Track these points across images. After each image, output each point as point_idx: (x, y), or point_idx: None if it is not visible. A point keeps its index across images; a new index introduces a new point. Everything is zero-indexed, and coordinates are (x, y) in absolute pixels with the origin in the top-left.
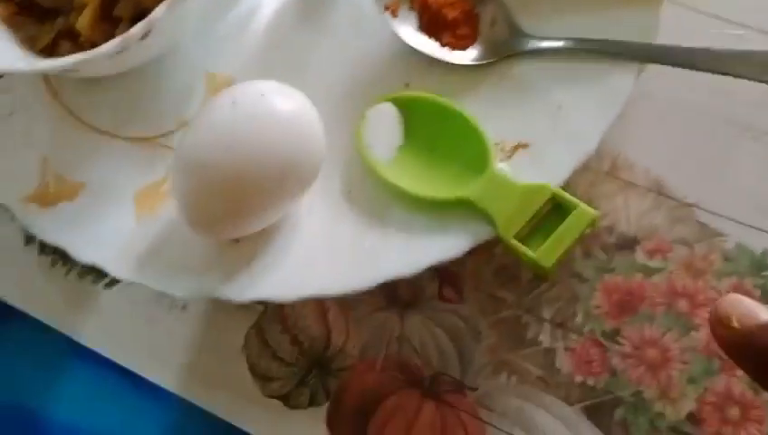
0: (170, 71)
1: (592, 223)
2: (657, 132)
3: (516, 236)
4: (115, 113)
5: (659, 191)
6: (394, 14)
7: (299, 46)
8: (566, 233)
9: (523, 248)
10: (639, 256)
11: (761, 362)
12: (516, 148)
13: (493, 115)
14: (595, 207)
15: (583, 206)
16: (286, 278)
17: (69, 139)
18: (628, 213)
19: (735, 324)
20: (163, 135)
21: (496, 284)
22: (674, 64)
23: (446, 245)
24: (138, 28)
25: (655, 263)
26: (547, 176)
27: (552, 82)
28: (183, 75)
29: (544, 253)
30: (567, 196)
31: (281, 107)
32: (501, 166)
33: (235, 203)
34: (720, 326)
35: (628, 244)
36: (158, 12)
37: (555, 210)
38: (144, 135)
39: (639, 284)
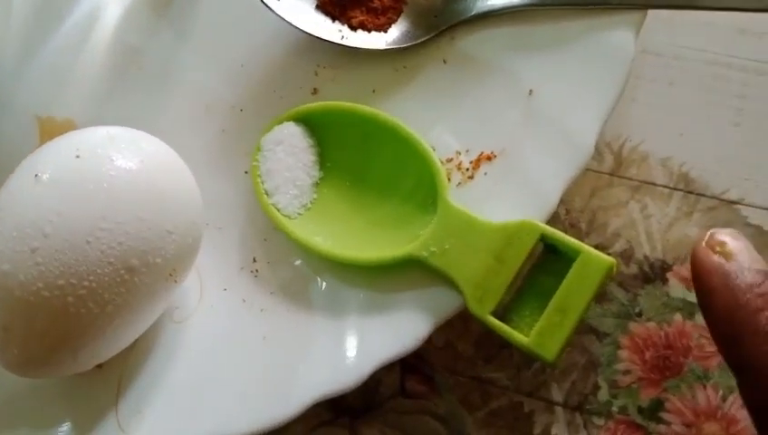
0: None
1: (608, 274)
2: (672, 105)
3: (496, 308)
4: None
5: (687, 188)
6: None
7: (159, 62)
8: (570, 297)
9: (506, 329)
10: (674, 287)
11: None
12: (479, 161)
13: (439, 117)
14: (601, 225)
15: (590, 251)
16: (166, 419)
17: None
18: (649, 227)
19: (729, 248)
20: None
21: (480, 360)
22: (680, 6)
23: (396, 335)
24: None
25: None
26: (530, 202)
27: (515, 55)
28: (7, 123)
29: (541, 335)
30: (564, 237)
31: (121, 164)
32: (458, 195)
33: (66, 324)
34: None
35: (657, 272)
36: None
37: (549, 259)
38: None
39: (680, 328)
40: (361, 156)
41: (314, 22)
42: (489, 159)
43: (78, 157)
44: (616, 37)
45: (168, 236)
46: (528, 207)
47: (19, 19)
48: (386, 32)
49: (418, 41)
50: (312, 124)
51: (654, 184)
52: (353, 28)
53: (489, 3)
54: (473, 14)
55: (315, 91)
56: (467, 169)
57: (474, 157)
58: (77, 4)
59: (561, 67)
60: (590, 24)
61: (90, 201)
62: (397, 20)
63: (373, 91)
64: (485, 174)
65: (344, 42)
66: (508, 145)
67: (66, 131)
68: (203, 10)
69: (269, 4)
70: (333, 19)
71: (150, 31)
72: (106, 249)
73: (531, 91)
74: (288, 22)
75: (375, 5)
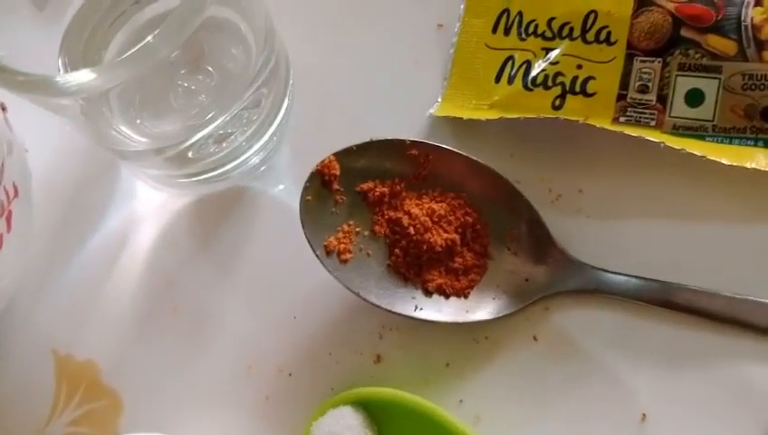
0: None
1: None
2: None
3: None
4: None
5: None
6: (343, 256)
7: (195, 302)
8: None
9: None
10: None
11: None
12: None
13: (524, 414)
14: None
15: None
16: None
17: None
18: None
19: None
20: None
21: None
22: None
23: None
24: None
25: None
26: None
27: (624, 355)
28: (21, 354)
29: None
30: None
31: None
32: None
33: None
34: None
35: None
36: None
37: None
38: None
39: None
40: None
41: (382, 287)
42: None
43: None
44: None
45: None
46: None
47: (40, 239)
48: (467, 296)
49: (505, 313)
50: (368, 407)
51: None
52: (428, 293)
53: (602, 278)
54: (574, 288)
55: (378, 359)
56: None
57: None
58: (105, 220)
59: (682, 390)
60: (717, 351)
61: None
62: (480, 280)
63: (447, 364)
64: None
65: (417, 314)
66: None
67: (86, 374)
68: (251, 244)
69: (337, 276)
70: (406, 280)
71: (188, 262)
72: None
73: (644, 416)
74: (352, 291)
75: (456, 266)
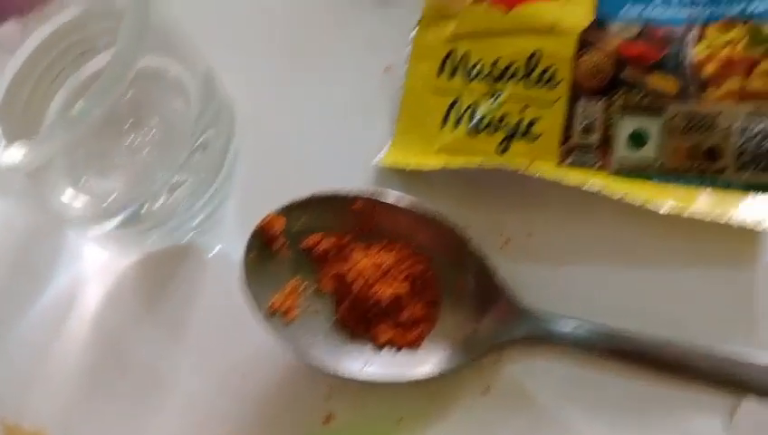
0: None
1: None
2: None
3: None
4: None
5: None
6: (288, 315)
7: (144, 365)
8: None
9: None
10: None
11: None
12: None
13: None
14: None
15: None
16: None
17: None
18: None
19: None
20: None
21: None
22: None
23: None
24: None
25: None
26: None
27: (578, 409)
28: None
29: None
30: None
31: None
32: None
33: None
34: None
35: None
36: None
37: None
38: None
39: None
40: None
41: (330, 344)
42: None
43: None
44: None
45: None
46: None
47: None
48: (417, 349)
49: (456, 365)
50: None
51: None
52: (378, 347)
53: (552, 327)
54: (524, 336)
55: (329, 419)
56: None
57: None
58: (51, 282)
59: None
60: (667, 402)
61: None
62: (430, 331)
63: (399, 420)
64: None
65: (365, 375)
66: None
67: None
68: (199, 302)
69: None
70: (354, 335)
71: (136, 322)
72: None
73: None
74: (295, 354)
75: (405, 318)
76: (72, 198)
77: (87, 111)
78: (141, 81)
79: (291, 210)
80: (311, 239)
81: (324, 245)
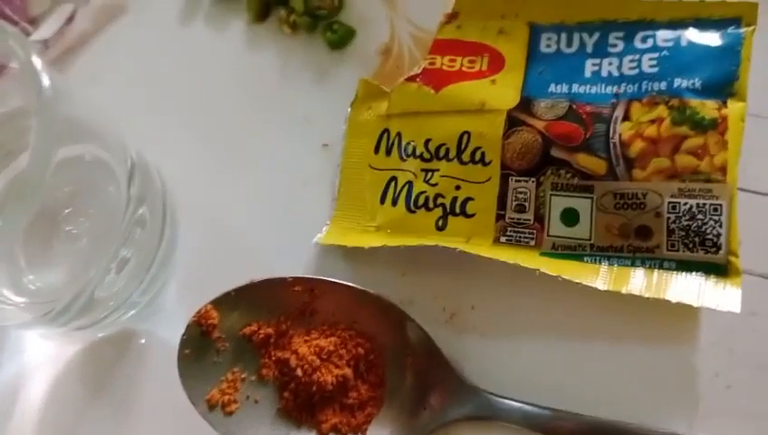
0: None
1: None
2: None
3: None
4: None
5: None
6: (227, 408)
7: None
8: None
9: None
10: None
11: None
12: None
13: None
14: None
15: None
16: None
17: None
18: None
19: None
20: None
21: None
22: None
23: None
24: None
25: None
26: None
27: None
28: None
29: None
30: None
31: None
32: None
33: None
34: None
35: None
36: None
37: None
38: None
39: None
40: None
41: (275, 434)
42: None
43: None
44: None
45: None
46: None
47: None
48: (364, 433)
49: None
50: None
51: None
52: (324, 433)
53: (496, 405)
54: (470, 415)
55: None
56: None
57: None
58: None
59: None
60: None
61: None
62: (377, 413)
63: None
64: None
65: None
66: None
67: None
68: (143, 390)
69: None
70: (299, 423)
71: (82, 411)
72: None
73: None
74: None
75: (351, 401)
76: (14, 298)
77: (9, 224)
78: (73, 169)
79: (227, 299)
80: (249, 327)
81: (263, 332)
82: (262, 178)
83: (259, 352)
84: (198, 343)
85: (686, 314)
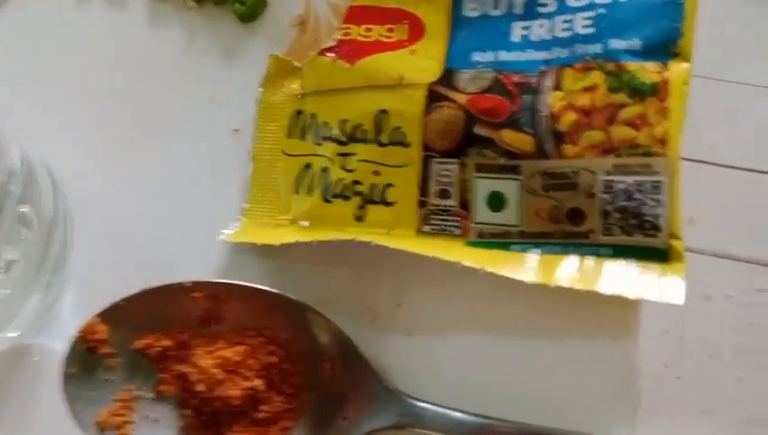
0: None
1: None
2: None
3: None
4: None
5: None
6: (121, 431)
7: None
8: None
9: None
10: None
11: None
12: None
13: None
14: None
15: None
16: None
17: None
18: None
19: None
20: None
21: None
22: None
23: None
24: None
25: None
26: None
27: None
28: None
29: None
30: None
31: None
32: None
33: None
34: None
35: None
36: None
37: None
38: None
39: None
40: None
41: None
42: None
43: None
44: None
45: None
46: None
47: None
48: None
49: None
50: None
51: None
52: None
53: (420, 412)
54: (394, 423)
55: None
56: None
57: None
58: None
59: None
60: None
61: None
62: (294, 425)
63: None
64: None
65: None
66: None
67: None
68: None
69: None
70: None
71: None
72: None
73: None
74: None
75: (263, 415)
76: None
77: None
78: None
79: (117, 310)
80: (143, 341)
81: (160, 344)
82: (164, 170)
83: (157, 367)
84: (85, 361)
85: (630, 302)
